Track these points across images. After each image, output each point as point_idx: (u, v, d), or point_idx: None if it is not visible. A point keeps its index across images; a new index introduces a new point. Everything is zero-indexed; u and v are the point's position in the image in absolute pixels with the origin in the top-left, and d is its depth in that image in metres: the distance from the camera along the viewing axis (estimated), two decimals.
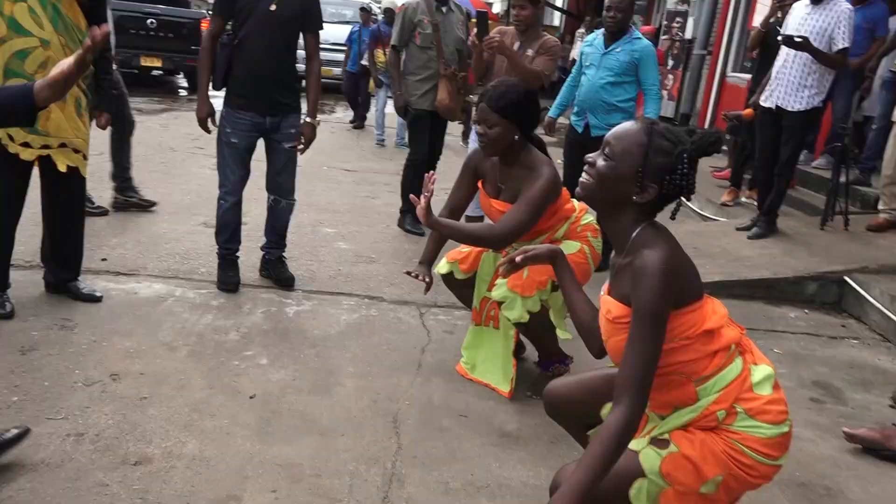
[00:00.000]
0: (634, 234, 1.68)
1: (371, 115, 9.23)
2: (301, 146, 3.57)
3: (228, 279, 3.56)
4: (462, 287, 2.99)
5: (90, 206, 4.38)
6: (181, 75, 11.73)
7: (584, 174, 1.74)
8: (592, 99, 4.21)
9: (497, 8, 20.84)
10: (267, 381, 2.73)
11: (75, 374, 2.60)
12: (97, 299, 3.22)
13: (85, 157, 3.03)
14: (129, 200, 4.62)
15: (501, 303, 2.70)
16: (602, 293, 1.75)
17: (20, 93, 1.91)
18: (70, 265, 3.24)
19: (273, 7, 3.28)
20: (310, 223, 4.81)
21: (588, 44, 4.34)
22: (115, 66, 4.38)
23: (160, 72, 11.20)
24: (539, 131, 2.91)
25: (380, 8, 9.80)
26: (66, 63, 1.89)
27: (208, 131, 3.51)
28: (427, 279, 2.75)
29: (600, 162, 1.69)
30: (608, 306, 1.69)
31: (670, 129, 1.68)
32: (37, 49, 2.74)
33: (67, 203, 3.12)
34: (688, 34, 10.04)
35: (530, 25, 4.10)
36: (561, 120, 4.75)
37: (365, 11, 9.85)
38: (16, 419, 2.27)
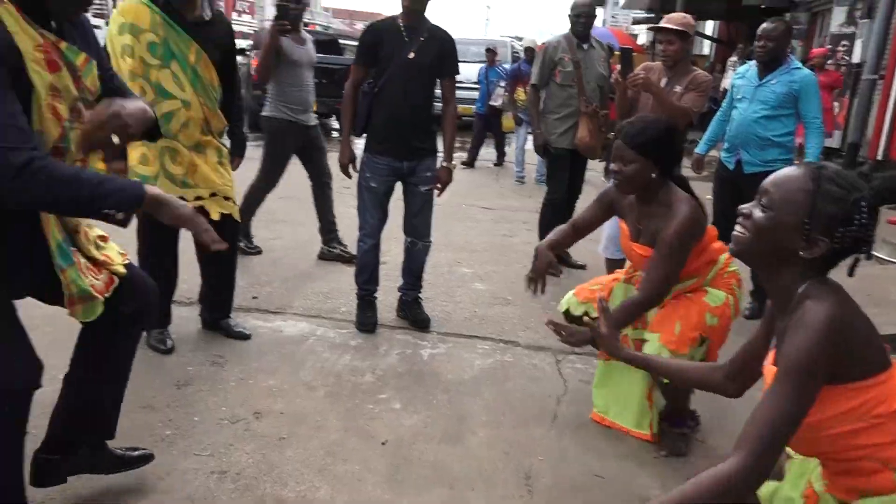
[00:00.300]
0: (800, 290, 1.48)
1: (510, 152, 9.27)
2: (437, 189, 3.62)
3: (367, 320, 3.63)
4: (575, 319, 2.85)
5: (248, 246, 4.67)
6: (333, 118, 12.42)
7: (737, 227, 1.55)
8: (745, 133, 3.94)
9: (642, 39, 20.33)
10: (399, 425, 2.72)
11: (222, 411, 2.73)
12: (246, 337, 3.39)
13: (234, 203, 3.21)
14: (332, 252, 4.76)
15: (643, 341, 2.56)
16: (766, 363, 1.57)
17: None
18: (222, 305, 3.44)
19: (412, 55, 3.36)
20: (447, 263, 4.83)
21: (739, 76, 4.08)
22: (315, 119, 4.68)
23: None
24: (686, 167, 2.74)
25: (520, 46, 9.89)
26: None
27: (349, 176, 3.64)
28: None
29: (757, 213, 1.50)
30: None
31: (842, 173, 1.46)
32: (180, 110, 2.95)
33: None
34: (855, 58, 9.27)
35: (678, 60, 3.89)
36: (713, 152, 4.49)
37: (491, 52, 9.80)
38: (167, 453, 2.41)
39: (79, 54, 1.76)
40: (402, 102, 3.40)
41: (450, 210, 6.61)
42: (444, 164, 3.61)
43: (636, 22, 24.31)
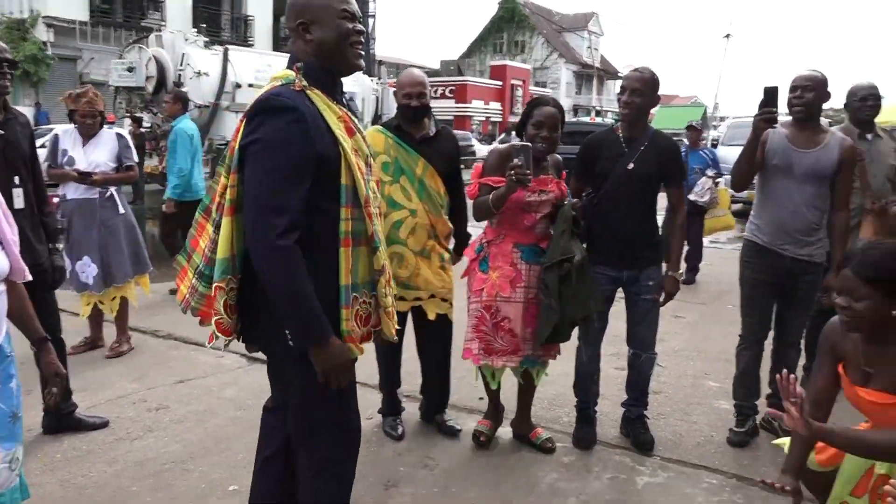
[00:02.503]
0: None
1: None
2: (662, 299, 3.40)
3: (582, 435, 3.48)
4: (817, 477, 2.37)
5: None
6: None
7: None
8: None
9: None
10: None
11: None
12: (455, 432, 3.50)
13: (451, 304, 3.39)
14: None
15: None
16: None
17: (323, 325, 1.89)
18: (438, 399, 3.62)
19: (631, 166, 3.27)
20: (693, 374, 4.43)
21: None
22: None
23: None
24: None
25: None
26: None
27: (600, 302, 3.40)
28: (791, 489, 2.22)
29: None
30: None
31: None
32: (407, 218, 3.24)
33: (436, 346, 3.52)
34: None
35: None
36: None
37: (695, 130, 7.65)
38: None
39: (355, 117, 2.08)
40: (622, 214, 3.30)
41: (710, 311, 6.10)
42: (671, 273, 3.40)
43: None
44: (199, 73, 14.09)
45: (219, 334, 1.98)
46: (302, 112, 1.86)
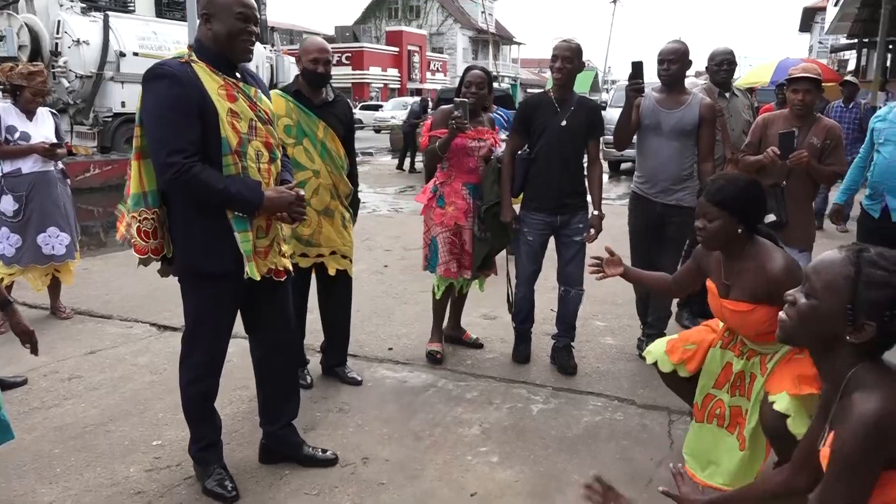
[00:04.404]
0: (849, 375, 1.48)
1: None
2: (591, 236, 3.88)
3: (521, 352, 4.06)
4: (684, 382, 2.85)
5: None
6: None
7: (782, 313, 1.59)
8: (892, 178, 3.62)
9: (851, 65, 18.76)
10: (491, 479, 2.85)
11: (337, 454, 3.04)
12: (357, 383, 3.76)
13: (350, 261, 3.66)
14: None
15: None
16: (822, 445, 1.53)
17: (255, 191, 2.46)
18: (338, 352, 3.85)
19: (564, 122, 3.75)
20: (582, 316, 4.82)
21: (880, 118, 3.79)
22: None
23: None
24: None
25: None
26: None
27: (515, 235, 3.96)
28: None
29: (801, 300, 1.53)
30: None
31: (885, 254, 1.45)
32: (311, 179, 3.45)
33: (337, 301, 3.76)
34: None
35: (812, 109, 3.73)
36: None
37: None
38: (282, 489, 2.75)
39: (251, 88, 2.56)
40: (555, 165, 3.79)
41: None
42: (596, 212, 3.88)
43: (834, 50, 22.36)
44: (77, 42, 13.36)
45: (135, 253, 2.54)
46: (179, 77, 2.36)
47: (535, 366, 4.04)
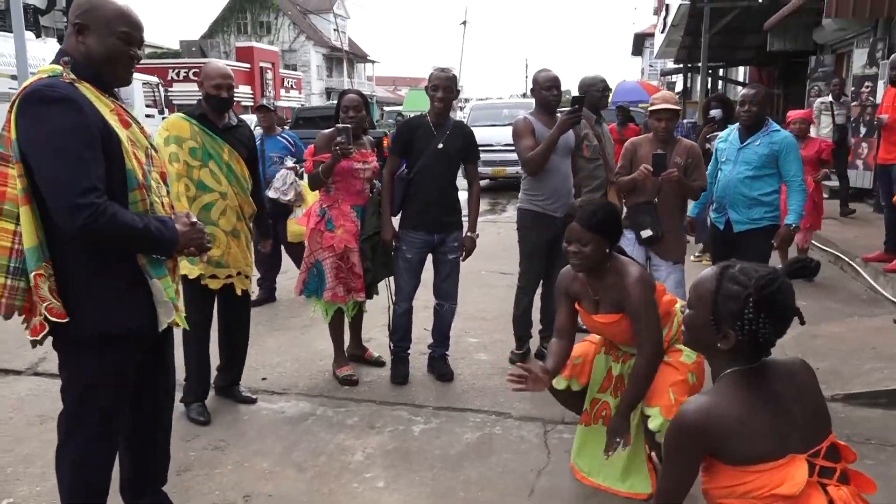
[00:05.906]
0: (720, 377, 1.68)
1: None
2: (463, 256, 4.15)
3: (399, 373, 4.13)
4: (574, 397, 3.03)
5: None
6: None
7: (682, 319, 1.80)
8: (732, 194, 4.10)
9: (678, 87, 20.55)
10: None
11: (215, 495, 2.91)
12: (253, 401, 3.80)
13: (250, 280, 3.72)
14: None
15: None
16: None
17: (171, 228, 2.15)
18: (238, 370, 3.89)
19: (441, 145, 3.96)
20: (455, 334, 4.92)
21: (723, 140, 4.28)
22: None
23: None
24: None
25: None
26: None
27: (392, 250, 4.10)
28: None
29: (687, 311, 1.74)
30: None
31: (747, 269, 1.64)
32: (218, 201, 3.47)
33: (240, 320, 3.81)
34: (878, 98, 9.18)
35: (672, 135, 4.10)
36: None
37: (266, 111, 6.34)
38: None
39: (133, 110, 2.25)
40: (433, 185, 3.97)
41: (470, 277, 6.71)
42: (469, 234, 4.16)
43: (664, 74, 24.56)
44: None
45: (53, 319, 2.02)
46: (76, 101, 1.99)
47: (414, 386, 4.08)
